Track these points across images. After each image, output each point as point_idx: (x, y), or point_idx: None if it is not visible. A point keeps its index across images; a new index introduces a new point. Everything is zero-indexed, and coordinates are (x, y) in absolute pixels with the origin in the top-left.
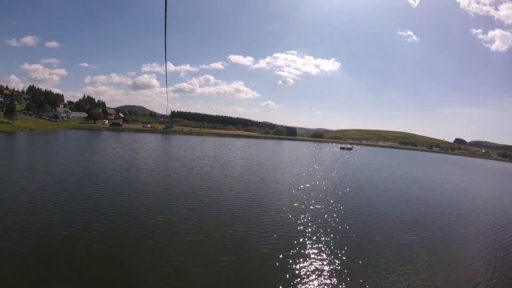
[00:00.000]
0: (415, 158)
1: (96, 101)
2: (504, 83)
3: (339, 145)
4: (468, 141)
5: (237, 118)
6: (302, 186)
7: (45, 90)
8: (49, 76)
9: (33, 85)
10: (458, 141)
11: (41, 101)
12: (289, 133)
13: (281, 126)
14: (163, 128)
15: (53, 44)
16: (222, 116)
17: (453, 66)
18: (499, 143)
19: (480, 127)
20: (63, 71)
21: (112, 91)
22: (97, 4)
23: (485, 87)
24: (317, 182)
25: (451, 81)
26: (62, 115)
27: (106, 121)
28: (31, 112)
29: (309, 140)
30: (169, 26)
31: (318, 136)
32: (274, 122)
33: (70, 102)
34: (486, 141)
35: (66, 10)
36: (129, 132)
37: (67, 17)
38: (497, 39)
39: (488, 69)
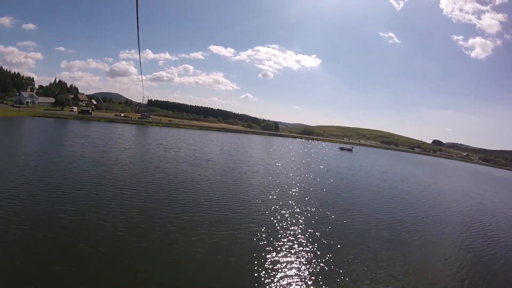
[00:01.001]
0: (413, 161)
1: (69, 86)
2: (479, 89)
3: (333, 143)
4: (444, 143)
5: (217, 109)
6: (341, 213)
7: (14, 72)
8: (24, 60)
9: (1, 66)
10: (436, 142)
11: (6, 84)
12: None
13: (264, 119)
14: (138, 118)
15: (30, 26)
16: (201, 107)
17: (430, 70)
18: (472, 145)
19: (454, 130)
20: (39, 55)
21: (88, 77)
22: None
23: (462, 91)
24: (361, 205)
25: (429, 84)
26: (26, 100)
27: (75, 108)
28: None
29: (300, 137)
30: (150, 12)
31: (309, 132)
32: (253, 115)
33: (41, 87)
34: (461, 144)
35: None
36: (99, 121)
37: None
38: (477, 47)
39: (466, 75)
